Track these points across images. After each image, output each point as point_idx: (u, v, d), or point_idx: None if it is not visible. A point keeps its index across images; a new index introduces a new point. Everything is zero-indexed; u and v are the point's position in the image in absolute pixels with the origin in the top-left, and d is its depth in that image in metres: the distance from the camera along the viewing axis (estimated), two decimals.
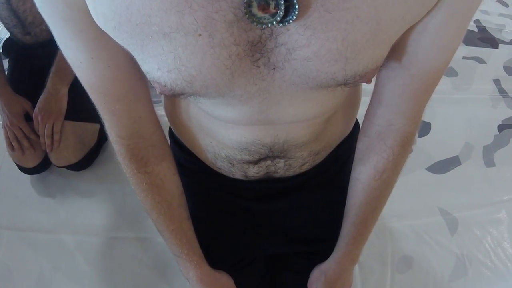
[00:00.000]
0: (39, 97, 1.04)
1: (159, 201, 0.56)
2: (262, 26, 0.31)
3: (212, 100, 0.41)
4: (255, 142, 0.50)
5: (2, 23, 1.14)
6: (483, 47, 1.52)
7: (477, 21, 1.63)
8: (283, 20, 0.31)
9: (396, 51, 0.42)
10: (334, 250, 0.64)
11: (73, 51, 0.40)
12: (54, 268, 0.97)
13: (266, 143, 0.50)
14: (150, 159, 0.54)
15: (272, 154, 0.53)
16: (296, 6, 0.30)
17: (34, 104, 1.05)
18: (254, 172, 0.58)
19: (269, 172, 0.59)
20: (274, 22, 0.31)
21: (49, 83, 1.04)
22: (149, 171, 0.54)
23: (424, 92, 0.47)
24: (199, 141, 0.58)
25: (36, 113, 1.03)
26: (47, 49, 1.08)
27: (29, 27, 1.08)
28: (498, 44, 1.54)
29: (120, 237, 1.01)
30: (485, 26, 1.61)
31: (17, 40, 1.15)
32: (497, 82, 1.40)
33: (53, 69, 1.05)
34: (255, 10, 0.30)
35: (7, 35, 1.22)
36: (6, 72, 1.15)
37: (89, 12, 0.35)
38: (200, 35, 0.32)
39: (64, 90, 1.05)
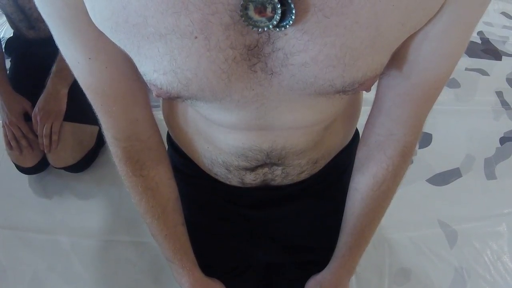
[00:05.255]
0: (39, 97, 1.04)
1: (153, 205, 0.55)
2: (259, 30, 0.31)
3: (209, 104, 0.41)
4: (252, 148, 0.50)
5: (7, 21, 1.19)
6: (486, 59, 1.52)
7: (480, 33, 1.63)
8: (279, 25, 0.31)
9: (397, 59, 0.41)
10: (331, 261, 0.63)
11: (71, 51, 0.40)
12: (49, 268, 0.96)
13: (264, 149, 0.50)
14: (146, 162, 0.53)
15: (269, 161, 0.53)
16: (293, 11, 0.30)
17: (34, 103, 1.05)
18: (251, 179, 0.57)
19: (266, 180, 0.58)
20: (271, 26, 0.30)
21: (49, 83, 1.04)
22: (145, 174, 0.54)
23: (425, 101, 0.46)
24: (196, 146, 0.57)
25: (35, 113, 1.03)
26: (48, 47, 1.08)
27: (34, 22, 1.12)
28: (501, 56, 1.53)
29: (115, 240, 1.01)
30: (488, 38, 1.61)
31: (21, 35, 1.17)
32: (499, 94, 1.40)
33: (53, 69, 1.05)
34: (251, 13, 0.30)
35: (10, 34, 1.23)
36: (8, 71, 1.15)
37: (87, 12, 0.35)
38: (196, 37, 0.32)
39: (64, 91, 1.05)
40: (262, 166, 0.54)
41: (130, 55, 0.38)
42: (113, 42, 0.37)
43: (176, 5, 0.30)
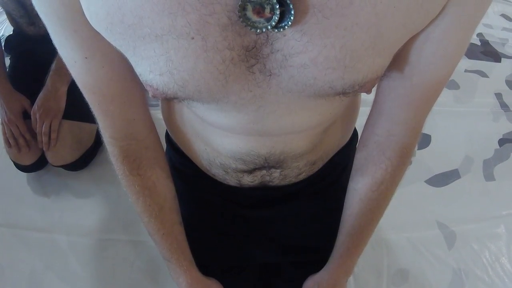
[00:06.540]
0: (38, 94, 1.04)
1: (150, 204, 0.55)
2: (257, 31, 0.30)
3: (206, 105, 0.41)
4: (250, 153, 0.49)
5: (7, 17, 1.19)
6: (485, 60, 1.51)
7: (480, 35, 1.63)
8: (278, 26, 0.30)
9: (398, 60, 0.41)
10: (328, 261, 0.63)
11: (67, 50, 0.40)
12: (46, 267, 0.96)
13: (262, 154, 0.49)
14: (142, 161, 0.53)
15: (267, 164, 0.52)
16: (292, 12, 0.29)
17: (33, 101, 1.05)
18: (248, 180, 0.57)
19: (264, 181, 0.58)
20: (269, 27, 0.30)
21: (48, 81, 1.04)
22: (141, 173, 0.53)
23: (425, 103, 0.46)
24: (194, 147, 0.57)
25: (34, 110, 1.03)
26: (48, 45, 1.08)
27: (35, 19, 1.12)
28: (500, 58, 1.53)
29: (113, 239, 1.00)
30: (488, 40, 1.61)
31: (21, 32, 1.17)
32: (498, 96, 1.40)
33: (53, 67, 1.05)
34: (249, 13, 0.29)
35: (10, 33, 1.23)
36: (7, 69, 1.15)
37: (84, 12, 0.35)
38: (193, 38, 0.32)
39: (63, 89, 1.05)
40: (260, 169, 0.54)
41: (126, 55, 0.37)
42: (110, 42, 0.36)
43: (173, 5, 0.30)
